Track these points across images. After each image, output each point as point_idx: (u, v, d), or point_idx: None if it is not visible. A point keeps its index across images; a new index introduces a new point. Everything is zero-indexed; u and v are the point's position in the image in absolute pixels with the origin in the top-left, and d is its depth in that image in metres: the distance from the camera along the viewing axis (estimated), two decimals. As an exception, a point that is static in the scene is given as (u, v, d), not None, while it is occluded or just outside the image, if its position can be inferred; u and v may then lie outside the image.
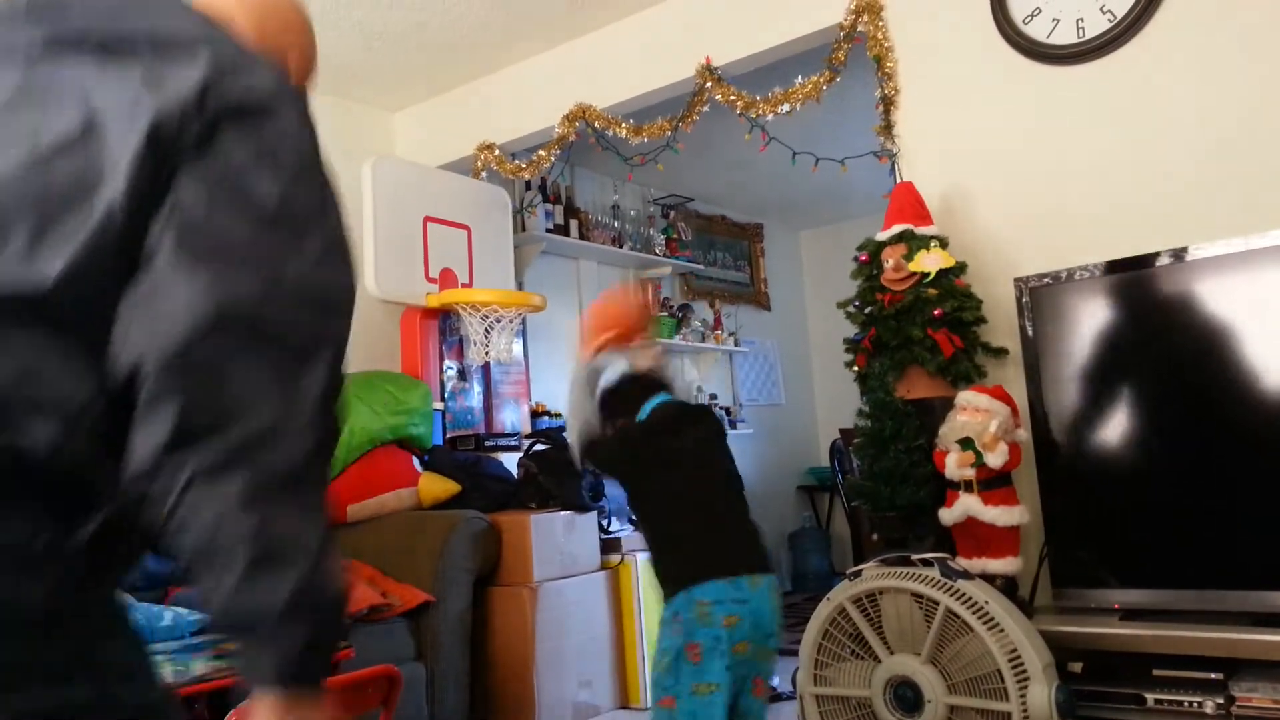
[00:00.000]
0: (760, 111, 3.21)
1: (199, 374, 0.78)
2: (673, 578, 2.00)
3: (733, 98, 3.28)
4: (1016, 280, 2.47)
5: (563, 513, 3.44)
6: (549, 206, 4.73)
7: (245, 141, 0.85)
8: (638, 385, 2.30)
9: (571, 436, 2.25)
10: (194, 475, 0.76)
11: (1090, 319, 2.35)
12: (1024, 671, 1.99)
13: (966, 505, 2.31)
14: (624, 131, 3.56)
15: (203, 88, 0.84)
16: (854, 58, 3.05)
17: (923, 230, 2.62)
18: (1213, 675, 2.00)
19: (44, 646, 0.78)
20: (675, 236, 5.70)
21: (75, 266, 0.80)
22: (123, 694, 0.85)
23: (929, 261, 2.54)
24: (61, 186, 0.82)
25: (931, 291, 2.53)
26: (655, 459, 2.12)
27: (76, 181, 0.82)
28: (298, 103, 0.92)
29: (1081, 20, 2.60)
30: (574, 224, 4.90)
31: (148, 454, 0.77)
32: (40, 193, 0.82)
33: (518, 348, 4.17)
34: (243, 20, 0.99)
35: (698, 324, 5.69)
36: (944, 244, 2.59)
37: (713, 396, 5.85)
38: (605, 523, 3.87)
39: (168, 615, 2.41)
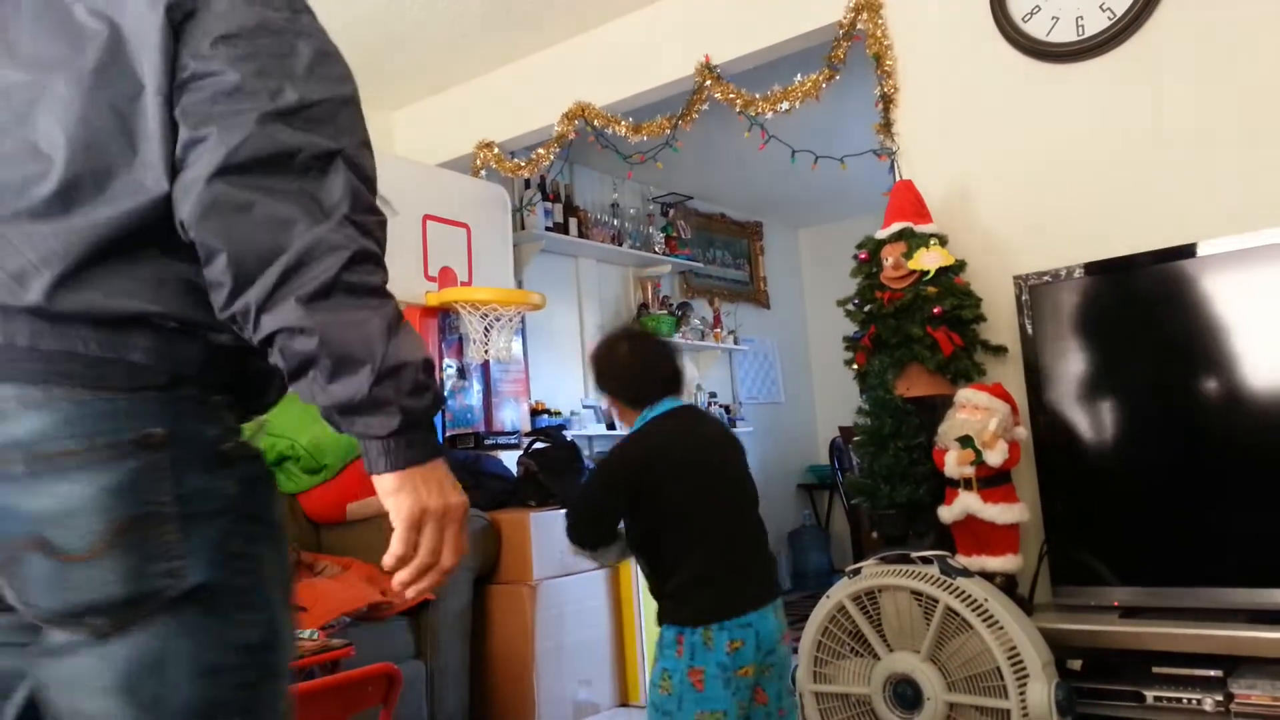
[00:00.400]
0: (760, 110, 3.21)
1: (229, 219, 0.86)
2: (678, 614, 1.87)
3: (732, 96, 3.28)
4: (1016, 278, 2.47)
5: (562, 511, 3.43)
6: (548, 205, 4.73)
7: None
8: (649, 376, 2.00)
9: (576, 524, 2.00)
10: (258, 311, 0.87)
11: (1089, 317, 2.35)
12: (1023, 669, 1.99)
13: (966, 503, 2.31)
14: (623, 130, 3.56)
15: None
16: (853, 56, 3.05)
17: (922, 228, 2.62)
18: (1212, 673, 2.00)
19: (232, 532, 0.93)
20: (675, 235, 5.70)
21: (170, 168, 0.90)
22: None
23: (928, 259, 2.54)
24: (122, 100, 0.90)
25: (931, 289, 2.53)
26: (653, 489, 1.89)
27: (130, 91, 0.90)
28: None
29: (1081, 18, 2.60)
30: (573, 222, 4.90)
31: (221, 307, 0.90)
32: (112, 113, 0.90)
33: (517, 346, 4.16)
34: None
35: (697, 322, 5.69)
36: (943, 242, 2.59)
37: (712, 395, 5.85)
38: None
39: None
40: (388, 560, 0.95)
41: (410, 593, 0.97)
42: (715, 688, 1.80)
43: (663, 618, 1.90)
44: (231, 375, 0.97)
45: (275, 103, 0.89)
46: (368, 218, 0.92)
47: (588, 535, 1.97)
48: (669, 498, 1.88)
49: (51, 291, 0.87)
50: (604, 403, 2.05)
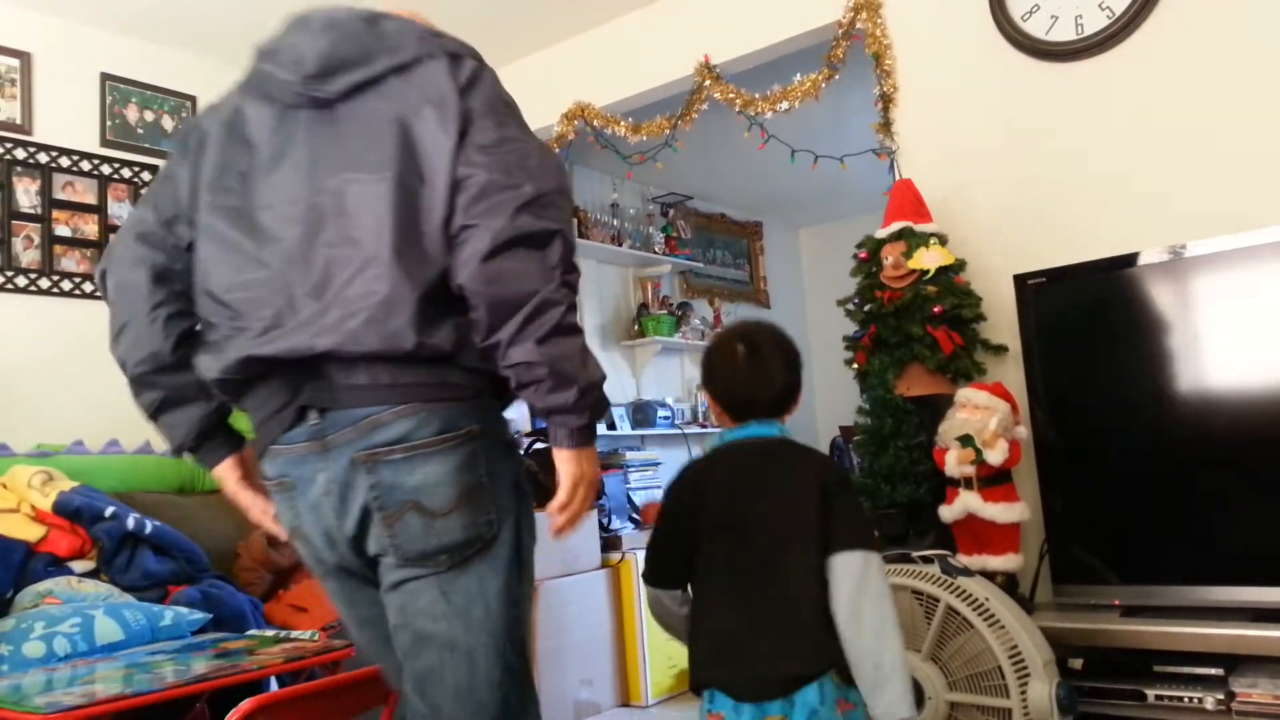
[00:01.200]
0: (759, 109, 3.22)
1: (492, 284, 1.27)
2: (695, 681, 1.61)
3: (731, 96, 3.28)
4: (1016, 277, 2.46)
5: (563, 511, 3.43)
6: (548, 205, 4.72)
7: (481, 106, 1.35)
8: (751, 393, 1.69)
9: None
10: (507, 345, 1.28)
11: (1089, 316, 2.35)
12: (1024, 668, 1.99)
13: (966, 502, 2.31)
14: (623, 130, 3.57)
15: (463, 81, 1.34)
16: (853, 55, 3.05)
17: (922, 227, 2.62)
18: (1213, 671, 2.00)
19: (514, 496, 1.44)
20: (675, 234, 5.70)
21: (447, 241, 1.31)
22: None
23: (928, 259, 2.54)
24: (414, 191, 1.31)
25: (931, 289, 2.53)
26: (692, 530, 1.64)
27: (417, 185, 1.31)
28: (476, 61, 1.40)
29: (1080, 17, 2.60)
30: (573, 222, 4.89)
31: (481, 338, 1.31)
32: (410, 199, 1.31)
33: (517, 346, 4.16)
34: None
35: (697, 322, 5.69)
36: (943, 241, 2.59)
37: (712, 394, 5.85)
38: (606, 521, 3.87)
39: (168, 615, 2.41)
40: (554, 507, 1.40)
41: (565, 533, 1.43)
42: None
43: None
44: (500, 388, 1.39)
45: (520, 196, 1.28)
46: (573, 277, 1.32)
47: (648, 569, 1.71)
48: (702, 545, 1.63)
49: (417, 343, 1.28)
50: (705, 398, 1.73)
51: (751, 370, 1.69)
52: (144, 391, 1.47)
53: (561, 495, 1.38)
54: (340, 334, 1.28)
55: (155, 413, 1.49)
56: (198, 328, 1.47)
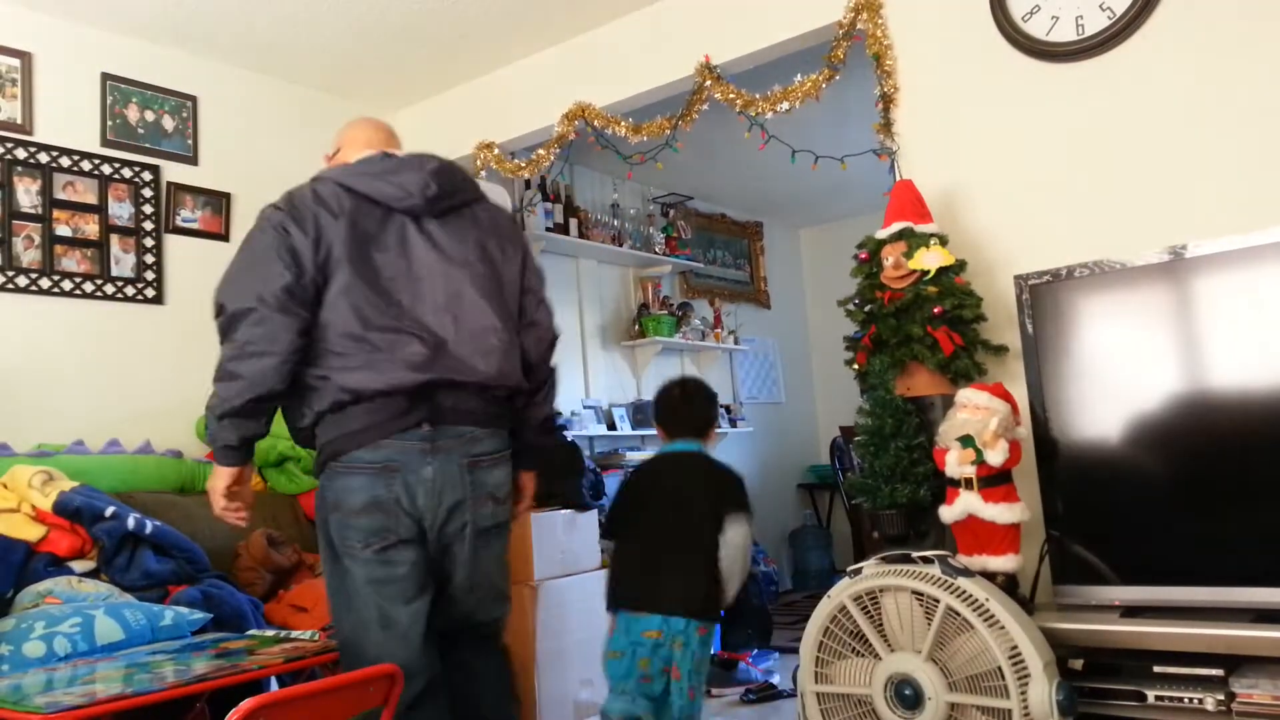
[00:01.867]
0: (760, 110, 3.21)
1: (546, 358, 2.19)
2: (610, 601, 2.59)
3: (732, 96, 3.28)
4: (1016, 277, 2.46)
5: (563, 511, 3.44)
6: (548, 205, 4.73)
7: (525, 240, 2.28)
8: (680, 419, 2.64)
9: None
10: (545, 393, 2.21)
11: (1090, 316, 2.35)
12: (1024, 669, 1.99)
13: (967, 503, 2.30)
14: (623, 130, 3.56)
15: (510, 215, 2.32)
16: (853, 56, 3.05)
17: (922, 228, 2.62)
18: (1213, 672, 2.00)
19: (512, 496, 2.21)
20: (675, 235, 5.70)
21: (517, 325, 2.16)
22: None
23: (929, 259, 2.54)
24: (500, 287, 2.10)
25: (931, 289, 2.53)
26: (626, 505, 2.62)
27: (501, 287, 2.11)
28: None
29: (1081, 18, 2.60)
30: (573, 223, 4.90)
31: (534, 387, 2.16)
32: (502, 291, 2.11)
33: (518, 346, 4.17)
34: None
35: (698, 322, 5.69)
36: (944, 241, 2.59)
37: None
38: (605, 520, 3.86)
39: (168, 614, 2.42)
40: (524, 509, 2.27)
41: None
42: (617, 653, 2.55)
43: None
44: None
45: (550, 309, 2.20)
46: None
47: (605, 524, 2.70)
48: (633, 514, 2.56)
49: (521, 379, 2.09)
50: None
51: (683, 406, 2.63)
52: (244, 407, 1.87)
53: (530, 499, 2.29)
54: (487, 370, 1.99)
55: (235, 417, 1.88)
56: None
